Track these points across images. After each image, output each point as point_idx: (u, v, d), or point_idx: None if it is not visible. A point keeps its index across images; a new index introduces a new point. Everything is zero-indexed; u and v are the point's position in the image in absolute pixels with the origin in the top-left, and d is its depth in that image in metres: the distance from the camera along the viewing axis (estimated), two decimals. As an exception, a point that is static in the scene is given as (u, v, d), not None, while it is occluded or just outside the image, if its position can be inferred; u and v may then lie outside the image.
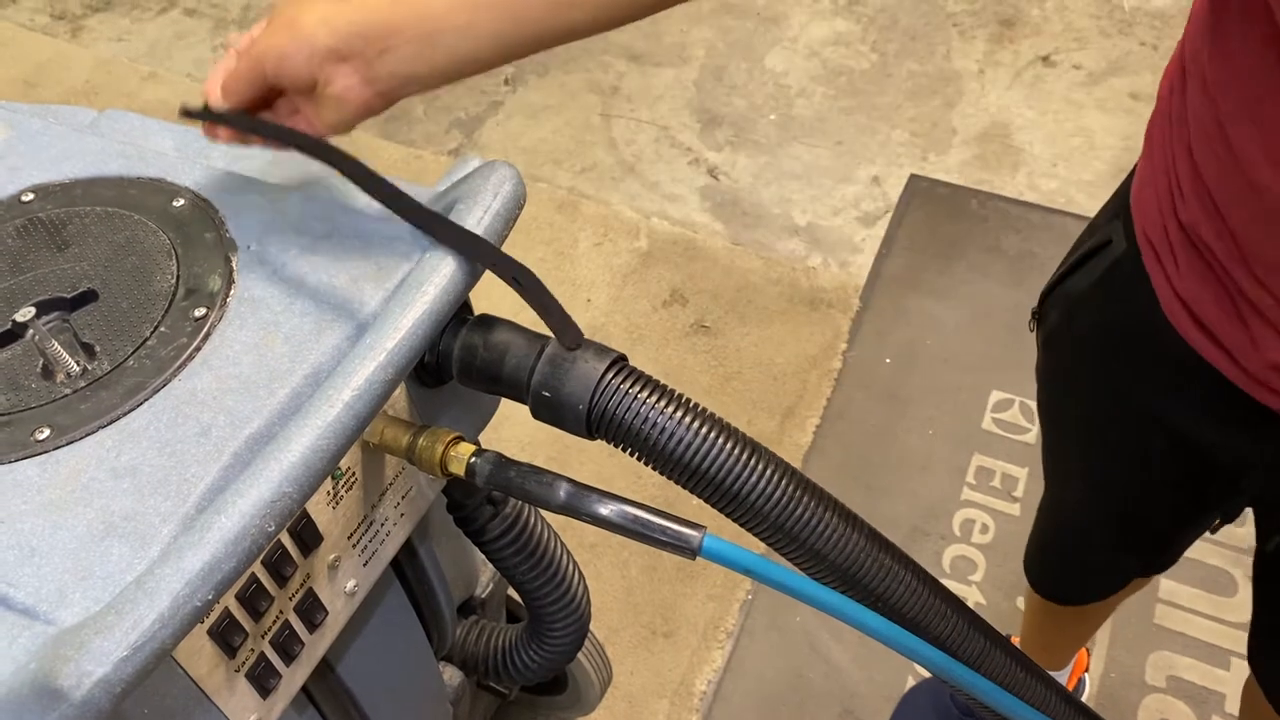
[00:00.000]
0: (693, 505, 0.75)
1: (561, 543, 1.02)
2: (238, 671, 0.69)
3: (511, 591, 1.23)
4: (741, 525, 0.74)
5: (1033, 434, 1.81)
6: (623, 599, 1.65)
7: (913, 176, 2.21)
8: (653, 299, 2.03)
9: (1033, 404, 1.84)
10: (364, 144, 2.30)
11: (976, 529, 1.71)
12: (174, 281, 0.74)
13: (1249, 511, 0.95)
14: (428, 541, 0.95)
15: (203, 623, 0.65)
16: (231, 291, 0.74)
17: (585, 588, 1.04)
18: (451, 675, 1.12)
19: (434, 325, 0.64)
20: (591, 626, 1.38)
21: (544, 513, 1.03)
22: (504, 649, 1.12)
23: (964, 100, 2.31)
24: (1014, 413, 1.84)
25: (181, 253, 0.76)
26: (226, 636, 0.66)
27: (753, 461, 0.72)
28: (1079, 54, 2.40)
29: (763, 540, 0.75)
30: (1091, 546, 1.13)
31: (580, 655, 1.32)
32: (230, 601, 0.66)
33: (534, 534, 0.97)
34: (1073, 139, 2.23)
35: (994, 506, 1.73)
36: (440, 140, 2.30)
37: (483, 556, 1.00)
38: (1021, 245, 2.08)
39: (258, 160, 0.85)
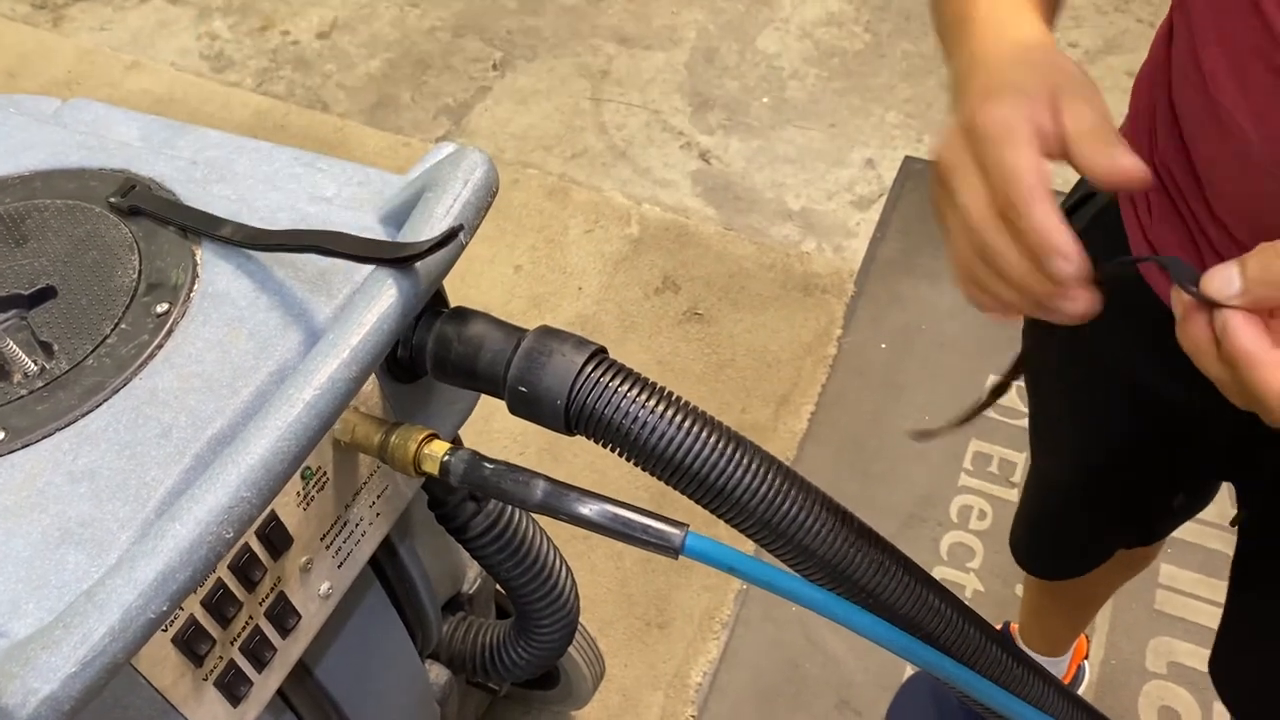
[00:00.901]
0: (685, 505, 0.72)
1: (548, 538, 0.99)
2: (206, 680, 0.66)
3: (500, 587, 1.21)
4: (728, 522, 0.72)
5: (1030, 418, 1.79)
6: (616, 590, 1.63)
7: (907, 159, 2.17)
8: (645, 286, 2.00)
9: (1030, 388, 1.82)
10: (351, 132, 2.27)
11: (974, 515, 1.69)
12: (136, 276, 0.72)
13: None
14: (408, 539, 0.93)
15: (166, 630, 0.62)
16: (196, 286, 0.71)
17: (573, 583, 1.02)
18: (438, 674, 1.10)
19: (401, 319, 0.62)
20: (585, 619, 1.36)
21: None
22: (492, 646, 1.10)
23: (959, 80, 2.28)
24: (1011, 398, 1.82)
25: (144, 246, 0.74)
26: (192, 645, 0.64)
27: (738, 456, 0.69)
28: (1075, 32, 2.36)
29: (750, 538, 0.73)
30: (1071, 515, 1.11)
31: (572, 649, 1.30)
32: (195, 608, 0.64)
33: (518, 530, 0.95)
34: (1069, 118, 2.20)
35: (991, 492, 1.71)
36: (428, 127, 2.26)
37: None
38: (1018, 227, 2.05)
39: (224, 149, 0.82)
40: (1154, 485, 1.01)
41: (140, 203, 0.75)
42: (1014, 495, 1.70)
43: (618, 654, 1.55)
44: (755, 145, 2.20)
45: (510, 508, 0.95)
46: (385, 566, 0.92)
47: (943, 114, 2.24)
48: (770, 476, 0.70)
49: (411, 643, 0.98)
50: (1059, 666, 1.45)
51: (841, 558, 0.71)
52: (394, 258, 0.61)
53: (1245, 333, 0.43)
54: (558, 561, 1.00)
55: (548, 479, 0.67)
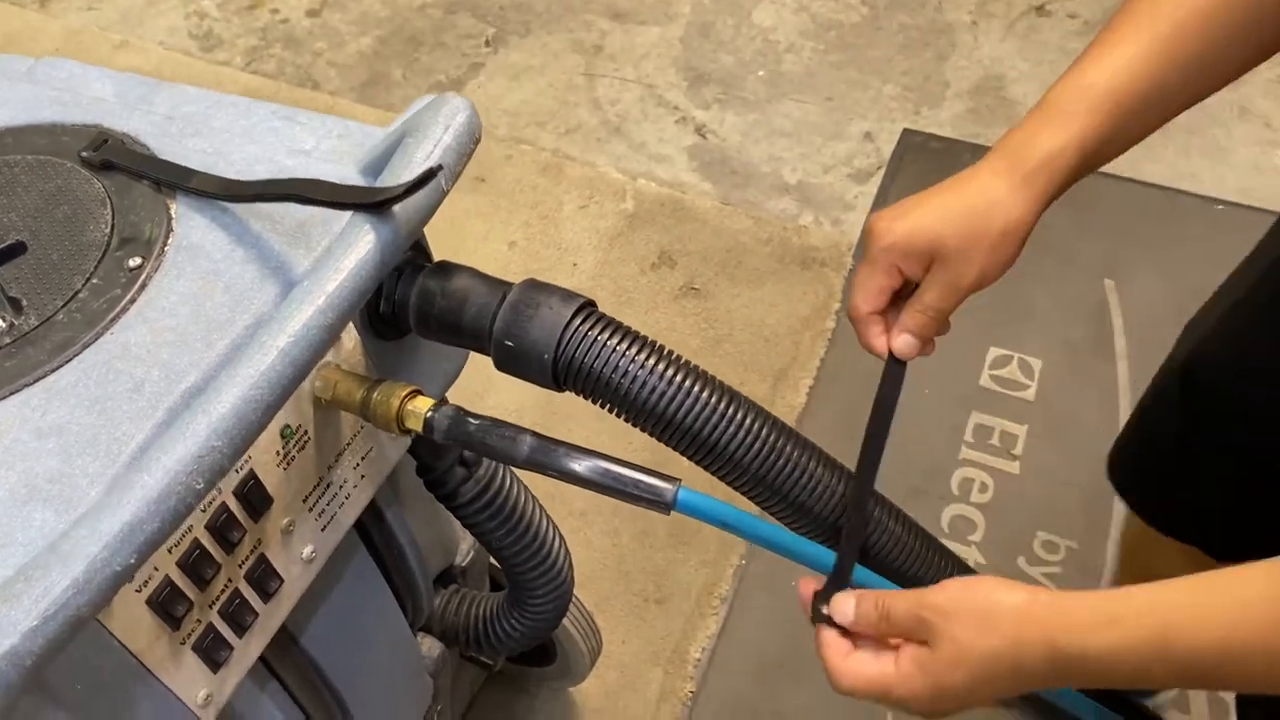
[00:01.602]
0: (684, 467, 0.70)
1: (540, 507, 0.97)
2: (183, 644, 0.64)
3: (493, 558, 1.19)
4: (724, 480, 0.70)
5: (1032, 390, 1.77)
6: (614, 567, 1.61)
7: (905, 131, 2.15)
8: (640, 262, 1.98)
9: (1031, 360, 1.80)
10: (343, 109, 2.24)
11: (975, 488, 1.67)
12: (108, 231, 0.69)
13: None
14: (396, 506, 0.91)
15: (140, 592, 0.60)
16: (170, 240, 0.69)
17: (566, 553, 1.00)
18: (431, 646, 1.08)
19: (380, 266, 0.59)
20: (582, 595, 1.34)
21: (524, 479, 0.99)
22: (485, 618, 1.08)
23: (957, 52, 2.25)
24: (1012, 369, 1.80)
25: (117, 201, 0.71)
26: (168, 606, 0.62)
27: (731, 411, 0.67)
28: (1074, 2, 2.33)
29: (745, 495, 0.71)
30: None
31: (568, 624, 1.28)
32: (171, 569, 0.62)
33: (510, 497, 0.93)
34: (1069, 89, 2.17)
35: (993, 465, 1.69)
36: (420, 104, 2.24)
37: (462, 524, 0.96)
38: (1018, 199, 2.02)
39: (201, 104, 0.80)
40: None
41: (113, 157, 0.73)
42: (1016, 468, 1.68)
43: (615, 630, 1.53)
44: (751, 119, 2.18)
45: (501, 474, 0.93)
46: (373, 533, 0.90)
47: (940, 86, 2.22)
48: (765, 432, 0.68)
49: (401, 613, 0.96)
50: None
51: (839, 516, 0.69)
52: (371, 202, 0.58)
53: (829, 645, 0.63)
54: (550, 530, 0.98)
55: (535, 434, 0.65)
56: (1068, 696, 0.69)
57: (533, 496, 0.97)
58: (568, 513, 1.65)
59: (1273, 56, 0.66)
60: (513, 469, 0.96)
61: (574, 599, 1.29)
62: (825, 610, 0.63)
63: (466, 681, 1.31)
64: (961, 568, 0.72)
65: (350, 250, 0.58)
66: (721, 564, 1.60)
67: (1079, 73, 0.65)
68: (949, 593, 0.57)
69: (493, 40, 2.35)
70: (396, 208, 0.60)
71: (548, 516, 0.98)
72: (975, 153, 2.09)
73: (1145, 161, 2.05)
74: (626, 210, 2.04)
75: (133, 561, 0.49)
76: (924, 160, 2.09)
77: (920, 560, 0.70)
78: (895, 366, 0.68)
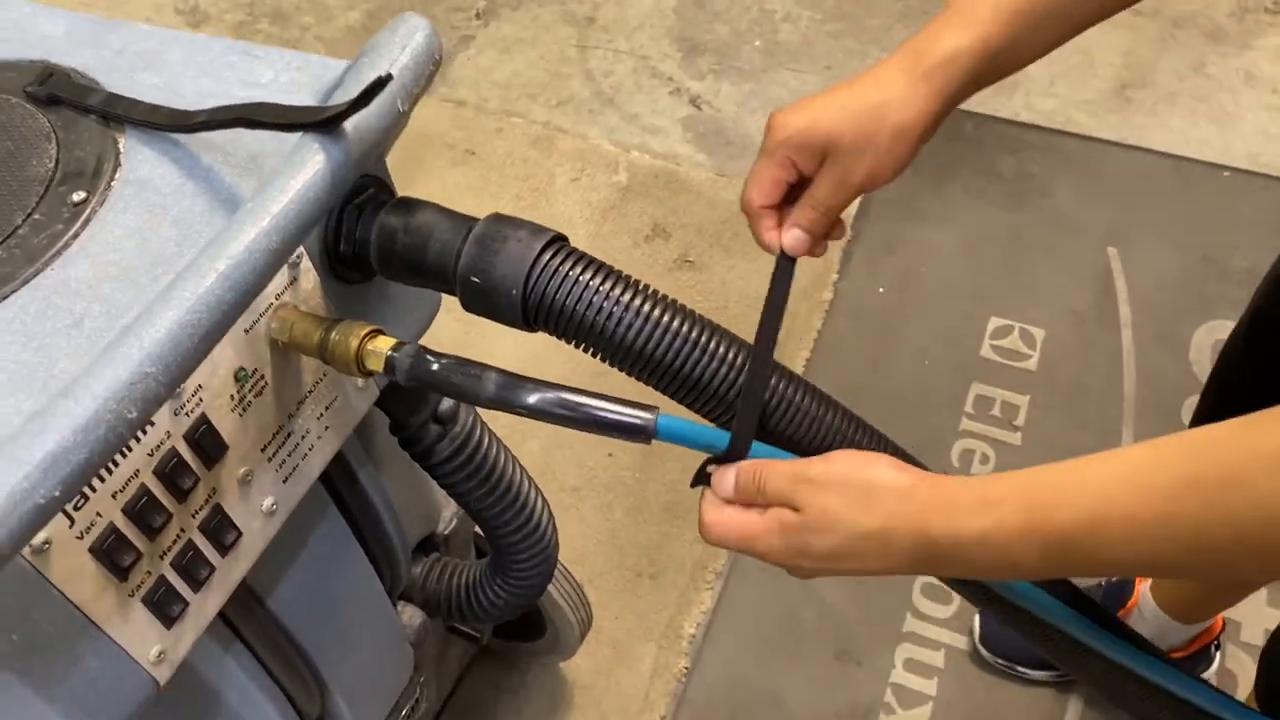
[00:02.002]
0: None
1: (521, 468, 0.94)
2: (132, 596, 0.61)
3: (474, 522, 1.15)
4: (709, 418, 0.66)
5: (1034, 360, 1.73)
6: (606, 541, 1.57)
7: (904, 100, 2.10)
8: (634, 234, 1.94)
9: (1033, 329, 1.76)
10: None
11: (976, 459, 1.63)
12: (52, 166, 0.66)
13: None
14: (368, 466, 0.87)
15: (82, 539, 0.57)
16: (117, 174, 0.65)
17: (550, 515, 0.97)
18: (412, 615, 1.04)
19: (330, 189, 0.56)
20: (574, 570, 1.31)
21: (517, 451, 0.96)
22: (468, 586, 1.04)
23: (957, 21, 2.21)
24: (1013, 339, 1.76)
25: (62, 135, 0.68)
26: (113, 555, 0.58)
27: (713, 345, 0.64)
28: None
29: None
30: None
31: (557, 596, 1.25)
32: (116, 515, 0.58)
33: (488, 457, 0.90)
34: (1072, 57, 2.13)
35: (994, 436, 1.65)
36: (410, 78, 2.20)
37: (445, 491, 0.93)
38: (1019, 167, 1.98)
39: (156, 40, 0.76)
40: None
41: (58, 91, 0.69)
42: (1018, 439, 1.65)
43: (608, 606, 1.50)
44: (747, 89, 2.14)
45: (479, 433, 0.89)
46: (345, 494, 0.87)
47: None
48: (748, 367, 0.65)
49: (378, 578, 0.93)
50: (1179, 634, 1.30)
51: (822, 439, 0.65)
52: (317, 120, 0.55)
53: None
54: (533, 492, 0.94)
55: (501, 371, 0.61)
56: (1029, 593, 0.65)
57: (514, 458, 0.93)
58: (559, 488, 1.62)
59: None
60: (495, 435, 0.93)
61: (563, 571, 1.26)
62: (710, 471, 0.62)
63: (454, 656, 1.27)
64: (880, 443, 0.68)
65: (297, 171, 0.55)
66: (717, 538, 1.56)
67: None
68: (831, 465, 0.57)
69: (483, 13, 2.31)
70: (347, 127, 0.57)
71: (529, 478, 0.94)
72: (976, 120, 2.05)
73: (1151, 128, 2.01)
74: (619, 183, 2.01)
75: (57, 494, 0.46)
76: (923, 129, 2.05)
77: (837, 435, 0.65)
78: (785, 261, 0.66)
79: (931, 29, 0.64)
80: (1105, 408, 1.67)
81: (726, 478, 0.60)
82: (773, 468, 0.59)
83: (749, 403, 0.62)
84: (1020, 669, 1.40)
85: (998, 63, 0.64)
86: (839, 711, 1.41)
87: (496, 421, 1.67)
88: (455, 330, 1.80)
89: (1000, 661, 1.40)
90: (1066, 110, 2.05)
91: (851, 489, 0.55)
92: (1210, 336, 1.73)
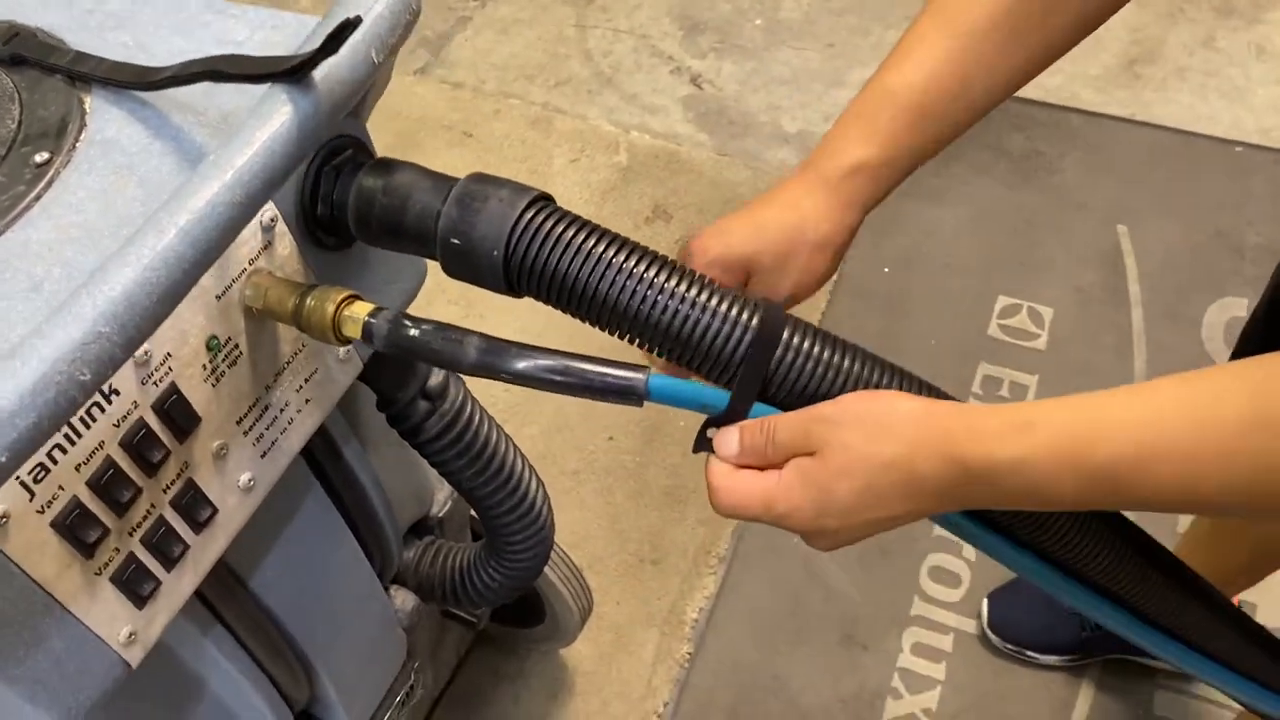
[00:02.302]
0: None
1: (515, 447, 0.91)
2: (99, 574, 0.58)
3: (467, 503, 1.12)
4: (715, 381, 0.63)
5: (1042, 339, 1.69)
6: (608, 526, 1.54)
7: (909, 78, 2.07)
8: (635, 216, 1.91)
9: (1041, 309, 1.73)
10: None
11: (984, 440, 1.60)
12: (15, 126, 0.63)
13: None
14: (354, 443, 0.84)
15: (43, 513, 0.54)
16: (83, 135, 0.63)
17: (544, 495, 0.94)
18: (405, 599, 1.02)
19: (298, 141, 0.53)
20: (574, 555, 1.28)
21: (515, 434, 0.93)
22: (462, 569, 1.02)
23: (962, -3, 2.17)
24: (1022, 318, 1.72)
25: (26, 96, 0.65)
26: (78, 531, 0.56)
27: (713, 303, 0.60)
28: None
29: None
30: None
31: (556, 580, 1.22)
32: (80, 489, 0.56)
33: (479, 434, 0.87)
34: (1079, 32, 2.09)
35: (1002, 416, 1.62)
36: (406, 60, 2.17)
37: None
38: (1025, 144, 1.94)
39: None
40: None
41: (23, 50, 0.66)
42: (1026, 419, 1.61)
43: (609, 591, 1.47)
44: (749, 68, 2.10)
45: (469, 409, 0.86)
46: (330, 473, 0.84)
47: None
48: (755, 324, 0.61)
49: (366, 561, 0.90)
50: None
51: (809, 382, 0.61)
52: (284, 69, 0.52)
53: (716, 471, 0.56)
54: (526, 472, 0.91)
55: (484, 335, 0.58)
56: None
57: (507, 437, 0.91)
58: (559, 472, 1.59)
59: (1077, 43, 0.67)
60: (487, 413, 0.90)
61: (562, 555, 1.23)
62: (710, 436, 0.58)
63: (451, 642, 1.25)
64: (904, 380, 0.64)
65: (263, 123, 0.52)
66: (719, 522, 1.53)
67: (882, 78, 0.64)
68: (844, 403, 0.53)
69: (481, -6, 2.28)
70: (317, 77, 0.54)
71: (523, 458, 0.91)
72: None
73: (1159, 104, 1.97)
74: (619, 163, 1.97)
75: (3, 460, 0.43)
76: (928, 107, 2.01)
77: (857, 382, 0.61)
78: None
79: (833, 141, 0.64)
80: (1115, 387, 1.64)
81: (730, 438, 0.56)
82: (782, 417, 0.55)
83: (755, 356, 0.58)
84: (1030, 654, 1.37)
85: (907, 162, 0.64)
86: (845, 697, 1.38)
87: (495, 406, 1.65)
88: (453, 314, 1.78)
89: (1009, 647, 1.37)
90: (1074, 86, 2.01)
91: (868, 421, 0.52)
92: (1223, 314, 1.70)
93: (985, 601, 1.41)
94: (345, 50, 0.54)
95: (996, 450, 0.48)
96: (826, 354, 0.58)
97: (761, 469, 0.55)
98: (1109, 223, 1.83)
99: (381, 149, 0.69)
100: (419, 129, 2.04)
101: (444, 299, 1.77)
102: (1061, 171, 1.90)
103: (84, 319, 0.45)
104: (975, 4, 0.63)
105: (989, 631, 1.39)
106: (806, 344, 0.59)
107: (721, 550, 1.51)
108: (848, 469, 0.51)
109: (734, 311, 0.60)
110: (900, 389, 0.58)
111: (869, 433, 0.51)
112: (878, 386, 0.58)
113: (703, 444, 0.58)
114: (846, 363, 0.58)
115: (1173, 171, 1.89)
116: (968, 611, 1.43)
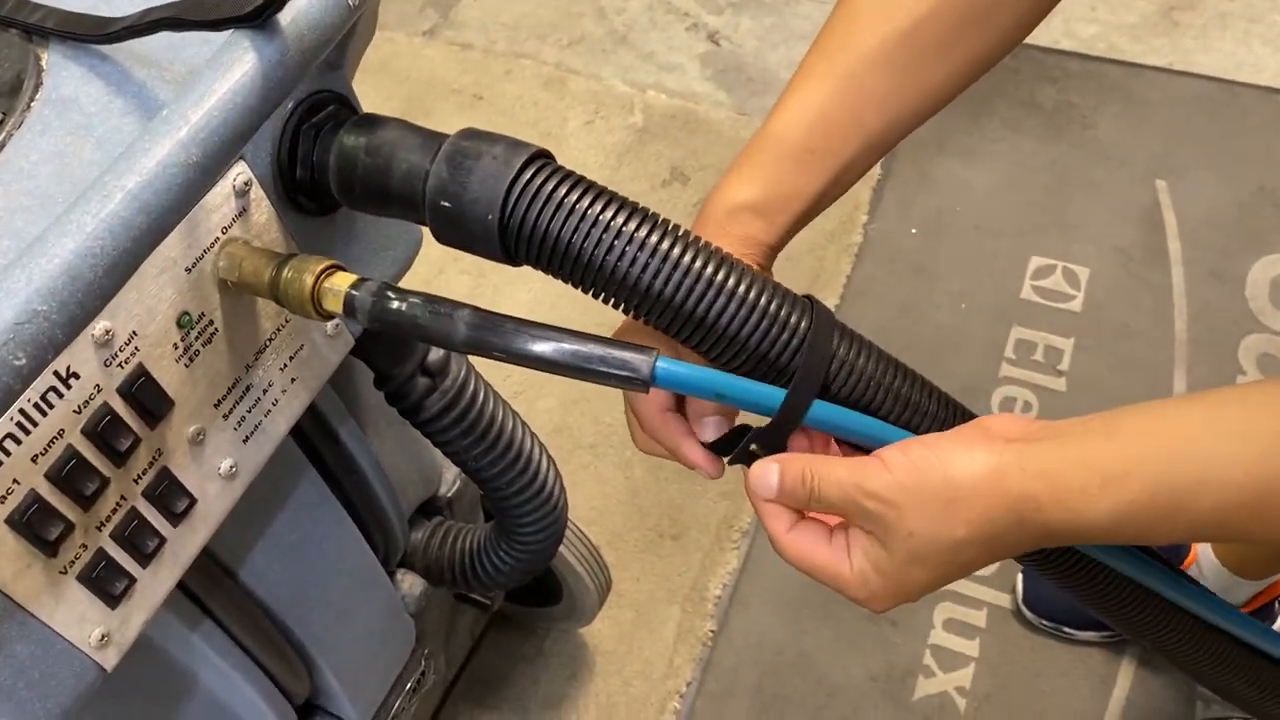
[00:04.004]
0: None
1: (523, 424, 0.86)
2: (65, 574, 0.53)
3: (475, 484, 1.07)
4: (725, 366, 0.57)
5: (1078, 301, 1.62)
6: (627, 501, 1.50)
7: (935, 30, 1.98)
8: (651, 179, 1.85)
9: (1077, 268, 1.66)
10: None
11: (1019, 406, 1.53)
12: (-36, 87, 0.58)
13: None
14: (350, 423, 0.79)
15: (-4, 509, 0.49)
16: (38, 94, 0.57)
17: (556, 474, 0.89)
18: (412, 584, 0.97)
19: (263, 94, 0.47)
20: (593, 531, 1.23)
21: (515, 409, 0.88)
22: (471, 552, 0.97)
23: (990, -56, 2.08)
24: (1056, 279, 1.65)
25: (-23, 53, 0.59)
26: (36, 528, 0.51)
27: (720, 277, 0.55)
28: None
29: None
30: None
31: (572, 559, 1.17)
32: (38, 482, 0.51)
33: (484, 412, 0.82)
34: (1114, -21, 1.99)
35: (1036, 382, 1.55)
36: (414, 21, 2.10)
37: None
38: (1059, 96, 1.86)
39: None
40: None
41: (-26, 4, 0.61)
42: (1062, 384, 1.55)
43: (628, 568, 1.43)
44: (768, 23, 2.02)
45: (473, 385, 0.81)
46: (326, 455, 0.79)
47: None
48: (770, 305, 0.56)
49: (368, 546, 0.85)
50: (1241, 591, 1.21)
51: (859, 396, 0.56)
52: (245, 12, 0.46)
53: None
54: (536, 450, 0.86)
55: (475, 309, 0.53)
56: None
57: (515, 414, 0.85)
58: (575, 446, 1.54)
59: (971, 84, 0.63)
60: (493, 389, 0.85)
61: (577, 532, 1.18)
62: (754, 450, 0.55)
63: (464, 625, 1.20)
64: (954, 412, 0.60)
65: (223, 73, 0.46)
66: (742, 495, 1.47)
67: (771, 121, 0.61)
68: (894, 476, 0.49)
69: (490, -48, 2.20)
70: (284, 20, 0.48)
71: (532, 435, 0.86)
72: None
73: (1199, 52, 1.88)
74: (635, 124, 1.91)
75: (-75, 456, 0.38)
76: (956, 60, 1.93)
77: (904, 405, 0.57)
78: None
79: (721, 184, 0.62)
80: (1155, 350, 1.57)
81: (769, 477, 0.53)
82: (827, 473, 0.51)
83: (812, 358, 0.54)
84: (1067, 630, 1.31)
85: (806, 201, 0.61)
86: (874, 674, 1.33)
87: (510, 379, 1.59)
88: (465, 284, 1.72)
89: (1045, 623, 1.32)
90: (1109, 36, 1.92)
91: (930, 500, 0.48)
92: (1268, 272, 1.62)
93: (1019, 576, 1.35)
94: (313, -10, 0.48)
95: (1085, 512, 0.45)
96: (878, 371, 0.57)
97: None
98: (1147, 178, 1.75)
99: (389, 114, 0.63)
100: (428, 92, 1.98)
101: (456, 268, 1.72)
102: (1096, 125, 1.82)
103: (16, 297, 0.40)
104: (860, 39, 0.60)
105: (1023, 607, 1.33)
106: (854, 356, 0.56)
107: (744, 524, 1.46)
108: (919, 556, 0.49)
109: (748, 288, 0.55)
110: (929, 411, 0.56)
111: (934, 515, 0.48)
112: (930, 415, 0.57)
113: (741, 458, 0.54)
114: (898, 384, 0.58)
115: (1214, 123, 1.80)
116: (1002, 586, 1.37)
